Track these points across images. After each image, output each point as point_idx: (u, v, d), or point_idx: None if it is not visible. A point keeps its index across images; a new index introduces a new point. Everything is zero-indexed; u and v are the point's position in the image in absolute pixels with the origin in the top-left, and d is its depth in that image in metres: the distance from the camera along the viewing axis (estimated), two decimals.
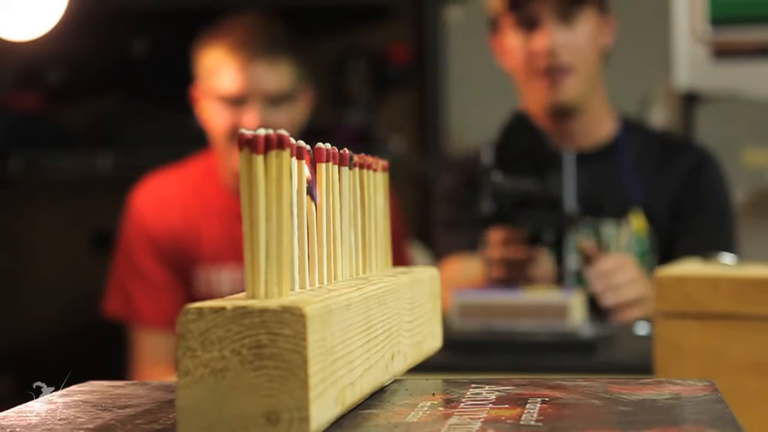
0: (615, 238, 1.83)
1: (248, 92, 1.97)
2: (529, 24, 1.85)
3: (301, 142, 0.60)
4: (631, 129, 1.94)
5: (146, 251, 2.05)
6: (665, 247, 1.85)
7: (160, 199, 2.09)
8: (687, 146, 2.00)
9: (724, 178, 1.93)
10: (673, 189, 1.88)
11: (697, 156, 1.93)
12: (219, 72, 1.99)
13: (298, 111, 2.05)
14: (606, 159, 1.89)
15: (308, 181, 0.61)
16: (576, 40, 1.84)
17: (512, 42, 1.88)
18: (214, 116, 2.00)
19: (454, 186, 1.97)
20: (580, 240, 1.69)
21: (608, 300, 1.64)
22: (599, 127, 1.91)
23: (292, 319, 0.51)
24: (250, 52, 1.98)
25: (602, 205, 1.84)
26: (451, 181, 2.00)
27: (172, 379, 2.25)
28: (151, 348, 2.05)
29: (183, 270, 2.05)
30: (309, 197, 0.61)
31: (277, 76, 2.01)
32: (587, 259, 1.66)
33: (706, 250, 1.80)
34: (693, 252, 1.78)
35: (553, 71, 1.84)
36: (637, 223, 1.85)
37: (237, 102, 1.98)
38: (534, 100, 1.88)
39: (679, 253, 1.79)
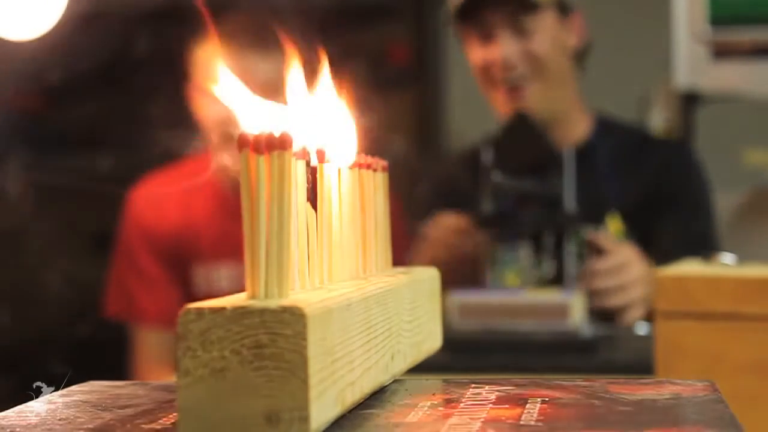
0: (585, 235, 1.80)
1: None
2: (484, 35, 1.82)
3: (302, 143, 0.60)
4: (607, 127, 1.91)
5: (144, 249, 2.07)
6: (644, 244, 1.80)
7: (156, 198, 2.11)
8: (663, 141, 1.98)
9: (701, 171, 1.90)
10: (650, 185, 1.85)
11: (673, 150, 1.90)
12: (211, 65, 2.00)
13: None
14: (582, 161, 1.82)
15: (308, 182, 0.61)
16: (534, 48, 1.80)
17: (470, 52, 1.86)
18: (206, 110, 2.02)
19: (450, 180, 1.94)
20: (590, 233, 1.67)
21: (614, 300, 1.62)
22: (574, 128, 1.88)
23: (292, 319, 0.51)
24: (242, 43, 1.99)
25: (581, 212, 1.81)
26: (447, 175, 1.98)
27: (172, 378, 2.24)
28: (151, 346, 2.06)
29: (181, 268, 2.07)
30: (309, 203, 0.61)
31: (269, 68, 2.00)
32: (598, 251, 1.63)
33: (685, 243, 1.79)
34: (671, 246, 1.78)
35: (509, 85, 1.81)
36: (614, 225, 1.82)
37: None
38: (499, 109, 1.85)
39: (659, 247, 1.78)
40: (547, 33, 1.81)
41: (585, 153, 1.82)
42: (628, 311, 1.64)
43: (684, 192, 1.87)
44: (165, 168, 2.15)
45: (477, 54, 1.84)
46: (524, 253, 1.64)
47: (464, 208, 1.87)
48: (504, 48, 1.79)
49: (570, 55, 1.86)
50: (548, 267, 1.58)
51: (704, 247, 1.69)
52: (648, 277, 1.64)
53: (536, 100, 1.80)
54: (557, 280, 1.58)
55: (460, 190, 1.90)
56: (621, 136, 1.91)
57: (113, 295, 2.11)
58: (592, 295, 1.58)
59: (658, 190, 1.85)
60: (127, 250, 2.10)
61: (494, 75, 1.82)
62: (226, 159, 2.04)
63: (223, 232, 2.06)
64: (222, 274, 2.05)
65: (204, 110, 2.02)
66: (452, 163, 2.08)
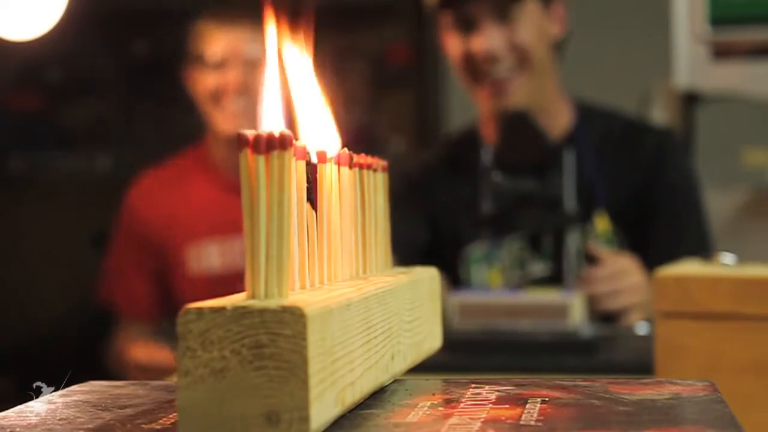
0: (581, 244, 1.72)
1: (230, 55, 2.05)
2: (466, 24, 1.74)
3: (302, 143, 0.60)
4: (588, 113, 1.84)
5: (132, 243, 2.16)
6: (635, 241, 1.76)
7: (148, 188, 2.17)
8: (648, 129, 1.90)
9: (687, 160, 1.86)
10: (637, 181, 1.78)
11: (660, 141, 1.83)
12: (203, 38, 2.09)
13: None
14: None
15: (308, 182, 0.61)
16: (519, 39, 1.72)
17: (451, 43, 1.77)
18: (199, 81, 2.08)
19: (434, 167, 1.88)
20: (586, 243, 1.67)
21: (609, 304, 1.62)
22: (556, 120, 1.80)
23: (292, 319, 0.51)
24: (233, 17, 2.08)
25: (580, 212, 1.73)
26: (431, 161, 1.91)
27: (145, 354, 2.30)
28: (128, 335, 2.11)
29: (173, 252, 2.11)
30: (308, 203, 0.61)
31: (259, 41, 2.04)
32: (594, 261, 1.62)
33: (681, 242, 1.76)
34: (669, 246, 1.73)
35: (494, 78, 1.73)
36: (601, 225, 1.76)
37: (220, 65, 2.06)
38: (481, 105, 1.80)
39: (654, 248, 1.74)
40: (532, 22, 1.74)
41: (568, 145, 1.75)
42: (624, 316, 1.63)
43: (682, 190, 1.83)
44: (162, 162, 2.19)
45: (457, 45, 1.76)
46: (507, 251, 1.63)
47: (434, 197, 1.86)
48: (489, 39, 1.72)
49: (552, 45, 1.79)
50: (537, 266, 1.58)
51: (703, 246, 1.69)
52: (645, 285, 1.62)
53: (521, 94, 1.74)
54: (556, 280, 1.58)
55: (433, 179, 1.89)
56: (603, 122, 1.84)
57: (102, 282, 2.18)
58: (588, 300, 1.58)
59: (650, 185, 1.79)
60: (117, 243, 2.16)
61: (478, 68, 1.74)
62: (214, 124, 2.10)
63: (213, 206, 2.12)
64: (212, 251, 2.08)
65: (197, 83, 2.10)
66: (429, 152, 2.06)
